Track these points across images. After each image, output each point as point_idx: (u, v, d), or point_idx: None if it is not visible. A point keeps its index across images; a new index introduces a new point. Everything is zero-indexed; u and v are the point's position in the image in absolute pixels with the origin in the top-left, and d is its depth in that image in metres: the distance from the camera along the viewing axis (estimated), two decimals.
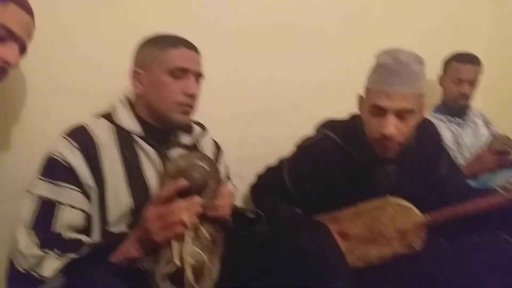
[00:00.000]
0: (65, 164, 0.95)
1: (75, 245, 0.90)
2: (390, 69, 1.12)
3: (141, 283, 0.84)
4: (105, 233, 0.97)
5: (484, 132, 1.94)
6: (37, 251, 0.87)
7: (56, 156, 0.96)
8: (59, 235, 0.91)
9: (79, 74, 1.27)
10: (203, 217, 0.88)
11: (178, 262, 0.78)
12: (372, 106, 1.16)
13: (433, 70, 1.83)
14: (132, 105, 1.10)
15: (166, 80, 1.04)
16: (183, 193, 0.85)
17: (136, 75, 1.08)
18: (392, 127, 1.13)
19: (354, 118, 1.31)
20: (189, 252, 0.79)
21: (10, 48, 0.95)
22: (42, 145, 1.01)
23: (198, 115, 1.16)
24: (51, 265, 0.86)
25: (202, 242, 0.82)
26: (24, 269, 0.86)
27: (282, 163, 1.40)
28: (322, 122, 1.39)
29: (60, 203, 0.93)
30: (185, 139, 1.13)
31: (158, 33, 1.10)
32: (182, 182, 0.85)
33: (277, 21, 1.63)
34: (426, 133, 1.33)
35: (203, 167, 0.87)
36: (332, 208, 1.26)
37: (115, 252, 0.87)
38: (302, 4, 1.68)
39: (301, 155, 1.35)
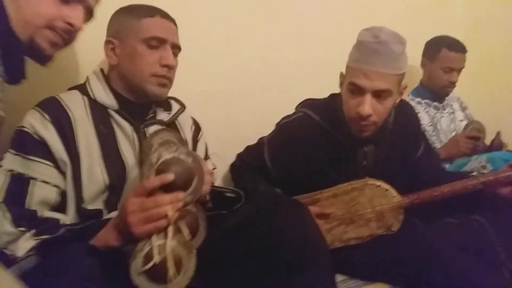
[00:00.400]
0: (37, 137, 0.90)
1: (52, 225, 0.87)
2: (370, 47, 1.11)
3: (119, 266, 0.80)
4: (80, 210, 0.93)
5: (460, 117, 1.98)
6: (10, 228, 0.83)
7: (27, 129, 0.91)
8: (34, 213, 0.87)
9: None
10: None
11: (158, 258, 0.74)
12: (351, 84, 1.15)
13: (414, 52, 1.84)
14: (106, 77, 1.05)
15: (142, 50, 0.99)
16: (166, 187, 0.80)
17: (110, 46, 1.03)
18: (369, 106, 1.13)
19: (334, 98, 1.30)
20: (171, 248, 0.76)
21: (75, 9, 0.86)
22: None
23: (176, 93, 1.13)
24: (26, 245, 0.82)
25: (180, 238, 0.79)
26: None
27: (262, 142, 1.38)
28: (302, 101, 1.38)
29: (33, 178, 0.89)
30: (163, 115, 1.09)
31: (134, 4, 1.05)
32: (169, 176, 0.79)
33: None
34: (404, 115, 1.33)
35: (189, 163, 0.84)
36: (311, 188, 1.26)
37: (94, 239, 0.82)
38: None
39: (281, 134, 1.34)
